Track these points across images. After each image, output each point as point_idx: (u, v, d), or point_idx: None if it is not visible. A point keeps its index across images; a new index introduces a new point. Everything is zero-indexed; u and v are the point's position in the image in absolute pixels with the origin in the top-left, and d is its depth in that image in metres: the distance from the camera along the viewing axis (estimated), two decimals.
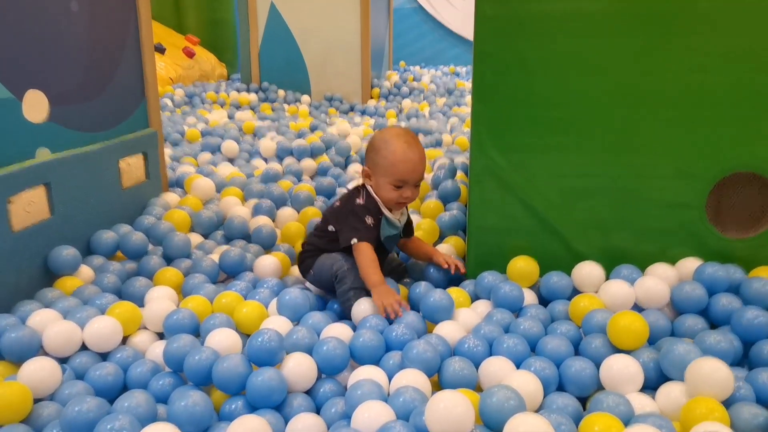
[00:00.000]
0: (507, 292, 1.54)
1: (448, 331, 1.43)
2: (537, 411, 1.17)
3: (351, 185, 1.71)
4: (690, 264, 1.56)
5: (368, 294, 1.56)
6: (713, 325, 1.45)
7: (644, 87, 1.54)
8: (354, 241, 1.58)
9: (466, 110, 4.59)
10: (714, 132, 1.53)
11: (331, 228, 1.68)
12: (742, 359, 1.36)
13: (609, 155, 1.59)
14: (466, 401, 1.05)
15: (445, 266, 1.69)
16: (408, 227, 1.78)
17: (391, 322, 1.47)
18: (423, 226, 1.97)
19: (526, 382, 1.18)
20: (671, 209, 1.59)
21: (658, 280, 1.49)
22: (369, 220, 1.61)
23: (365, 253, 1.58)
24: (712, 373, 1.14)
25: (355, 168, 2.90)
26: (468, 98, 4.99)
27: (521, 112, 1.60)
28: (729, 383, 1.13)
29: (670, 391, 1.19)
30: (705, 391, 1.14)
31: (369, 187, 1.65)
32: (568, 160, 1.61)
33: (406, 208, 1.73)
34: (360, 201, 1.63)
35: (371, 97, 5.13)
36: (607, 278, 1.58)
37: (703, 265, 1.51)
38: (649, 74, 1.53)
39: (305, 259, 1.73)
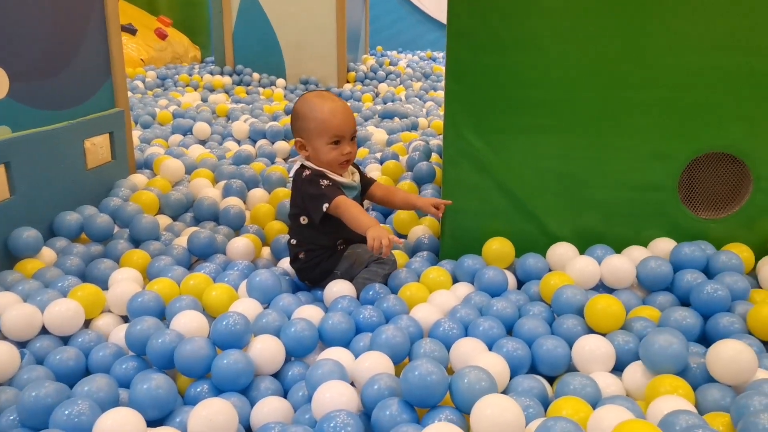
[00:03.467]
0: (491, 277, 1.52)
1: (424, 313, 1.40)
2: (503, 393, 1.15)
3: (291, 172, 1.65)
4: (663, 245, 1.56)
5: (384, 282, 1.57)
6: (683, 303, 1.44)
7: (620, 68, 1.52)
8: (326, 206, 1.52)
9: (443, 94, 4.55)
10: (687, 112, 1.53)
11: (303, 220, 1.62)
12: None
13: (585, 137, 1.57)
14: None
15: (435, 212, 1.66)
16: (365, 180, 1.73)
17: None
18: (401, 216, 1.95)
19: (493, 364, 1.16)
20: (645, 190, 1.58)
21: (625, 259, 1.48)
22: (325, 182, 1.55)
23: (344, 204, 1.51)
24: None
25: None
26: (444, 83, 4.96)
27: (497, 92, 1.58)
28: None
29: (636, 371, 1.19)
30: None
31: (308, 162, 1.60)
32: (545, 141, 1.59)
33: (354, 166, 1.69)
34: (306, 174, 1.58)
35: (347, 81, 5.08)
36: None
37: (679, 246, 1.51)
38: (625, 55, 1.52)
39: (310, 261, 1.63)
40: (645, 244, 1.59)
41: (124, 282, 1.50)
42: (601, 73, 1.53)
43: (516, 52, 1.55)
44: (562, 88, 1.55)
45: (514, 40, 1.54)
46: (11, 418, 1.12)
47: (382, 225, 1.91)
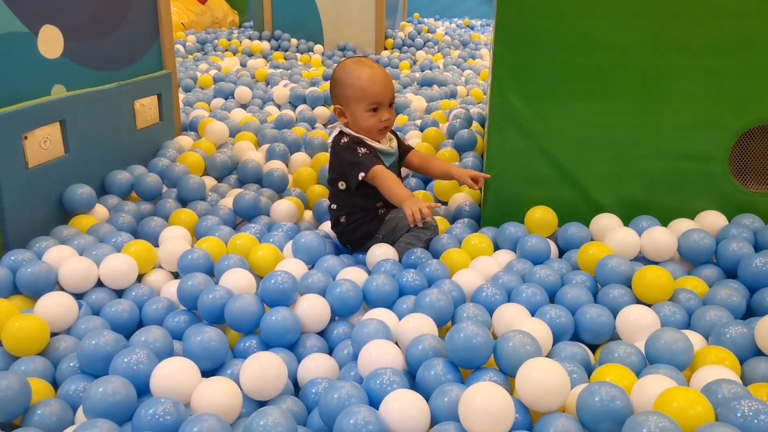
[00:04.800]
0: (534, 245, 1.52)
1: (466, 278, 1.42)
2: None
3: (331, 138, 1.66)
4: (711, 217, 1.53)
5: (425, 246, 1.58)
6: (730, 275, 1.43)
7: (671, 34, 1.49)
8: (362, 175, 1.54)
9: (481, 63, 4.51)
10: (741, 82, 1.49)
11: (341, 185, 1.63)
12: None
13: (633, 104, 1.55)
14: (506, 397, 0.95)
15: (472, 184, 1.64)
16: (402, 147, 1.74)
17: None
18: (442, 183, 1.94)
19: (536, 330, 1.17)
20: (694, 161, 1.56)
21: (666, 231, 1.47)
22: (363, 149, 1.56)
23: (381, 175, 1.53)
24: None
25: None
26: (483, 51, 4.89)
27: (545, 58, 1.56)
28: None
29: None
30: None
31: (347, 129, 1.61)
32: (592, 108, 1.57)
33: (392, 132, 1.70)
34: (345, 140, 1.59)
35: (385, 48, 5.04)
36: None
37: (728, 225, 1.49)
38: (676, 21, 1.48)
39: (351, 225, 1.64)
40: (692, 216, 1.57)
41: (174, 239, 1.55)
42: (652, 39, 1.50)
43: (565, 18, 1.52)
44: (610, 54, 1.53)
45: (565, 4, 1.51)
46: (71, 365, 1.17)
47: (422, 192, 1.92)
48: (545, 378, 0.96)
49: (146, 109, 2.09)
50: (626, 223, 1.57)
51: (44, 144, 1.61)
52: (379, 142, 1.62)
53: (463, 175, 1.66)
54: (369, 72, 1.58)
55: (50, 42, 1.68)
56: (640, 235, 1.48)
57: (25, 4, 1.57)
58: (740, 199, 1.56)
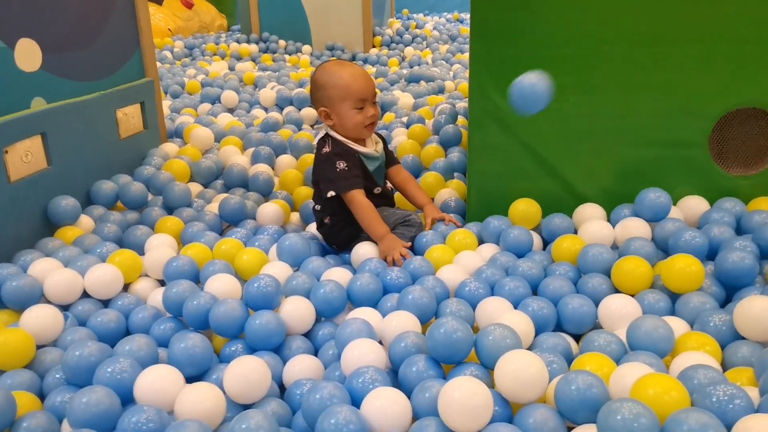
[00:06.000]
0: (516, 237, 1.52)
1: (450, 274, 1.42)
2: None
3: (316, 140, 1.67)
4: (693, 202, 1.54)
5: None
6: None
7: (647, 25, 1.49)
8: (331, 193, 1.56)
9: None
10: (718, 68, 1.49)
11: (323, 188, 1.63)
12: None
13: (612, 94, 1.55)
14: (484, 390, 0.96)
15: (428, 226, 1.67)
16: (389, 156, 1.74)
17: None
18: (428, 180, 1.94)
19: (519, 322, 1.17)
20: (674, 148, 1.56)
21: (639, 220, 1.48)
22: (342, 164, 1.57)
23: (358, 202, 1.55)
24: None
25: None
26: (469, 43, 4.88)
27: (522, 51, 1.56)
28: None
29: None
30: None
31: (332, 132, 1.62)
32: (571, 100, 1.57)
33: (378, 135, 1.71)
34: (327, 149, 1.60)
35: (373, 46, 5.04)
36: (608, 219, 1.57)
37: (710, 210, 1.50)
38: (652, 11, 1.48)
39: (335, 225, 1.65)
40: (674, 203, 1.57)
41: (160, 247, 1.55)
42: (629, 29, 1.50)
43: (541, 10, 1.52)
44: (588, 45, 1.53)
45: None
46: (57, 376, 1.18)
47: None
48: (524, 370, 0.97)
49: (129, 117, 2.09)
50: (609, 212, 1.57)
51: (26, 157, 1.62)
52: (365, 142, 1.63)
53: (429, 215, 1.70)
54: (350, 70, 1.59)
55: (28, 55, 1.68)
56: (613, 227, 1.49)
57: (0, 19, 1.57)
58: (722, 183, 1.57)
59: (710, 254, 1.40)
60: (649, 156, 1.58)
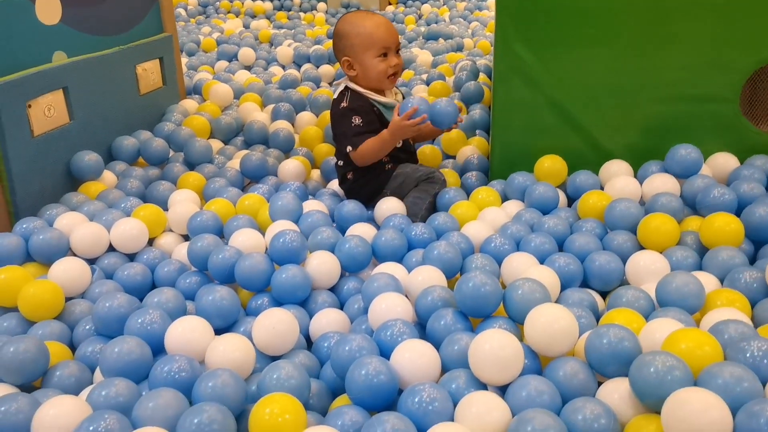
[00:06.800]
0: (541, 193, 1.51)
1: (474, 230, 1.41)
2: None
3: (335, 94, 1.65)
4: (721, 159, 1.51)
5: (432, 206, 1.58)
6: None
7: None
8: (349, 148, 1.55)
9: (488, 14, 4.41)
10: (749, 20, 1.45)
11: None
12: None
13: (639, 48, 1.51)
14: (515, 342, 0.95)
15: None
16: None
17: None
18: (450, 136, 1.92)
19: (545, 277, 1.16)
20: (703, 103, 1.53)
21: (667, 176, 1.45)
22: (357, 119, 1.56)
23: (366, 147, 1.54)
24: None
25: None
26: (490, 2, 4.79)
27: (548, 3, 1.52)
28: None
29: None
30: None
31: (352, 85, 1.60)
32: (597, 54, 1.54)
33: (398, 89, 1.70)
34: (344, 104, 1.58)
35: (389, 3, 4.95)
36: (635, 176, 1.54)
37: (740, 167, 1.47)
38: None
39: (358, 181, 1.64)
40: (703, 159, 1.54)
41: (183, 203, 1.55)
42: None
43: None
44: None
45: None
46: (86, 327, 1.20)
47: (429, 147, 1.90)
48: (554, 323, 0.97)
49: (148, 73, 2.07)
50: (636, 168, 1.55)
51: (48, 111, 1.61)
52: (385, 93, 1.61)
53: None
54: (373, 19, 1.58)
55: (48, 8, 1.66)
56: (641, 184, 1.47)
57: None
58: (752, 139, 1.53)
59: (739, 212, 1.38)
60: (677, 111, 1.55)
